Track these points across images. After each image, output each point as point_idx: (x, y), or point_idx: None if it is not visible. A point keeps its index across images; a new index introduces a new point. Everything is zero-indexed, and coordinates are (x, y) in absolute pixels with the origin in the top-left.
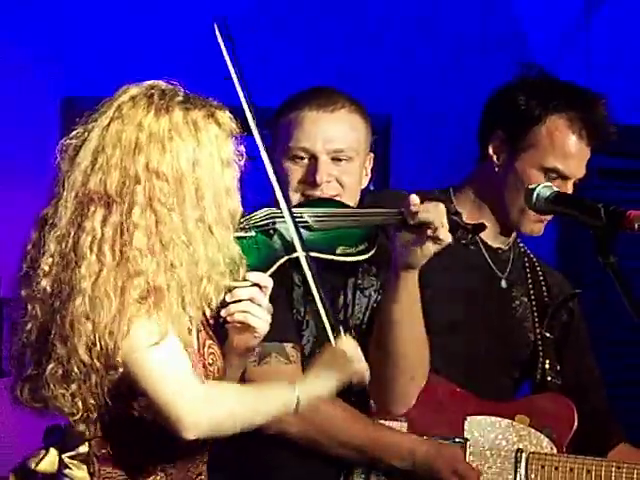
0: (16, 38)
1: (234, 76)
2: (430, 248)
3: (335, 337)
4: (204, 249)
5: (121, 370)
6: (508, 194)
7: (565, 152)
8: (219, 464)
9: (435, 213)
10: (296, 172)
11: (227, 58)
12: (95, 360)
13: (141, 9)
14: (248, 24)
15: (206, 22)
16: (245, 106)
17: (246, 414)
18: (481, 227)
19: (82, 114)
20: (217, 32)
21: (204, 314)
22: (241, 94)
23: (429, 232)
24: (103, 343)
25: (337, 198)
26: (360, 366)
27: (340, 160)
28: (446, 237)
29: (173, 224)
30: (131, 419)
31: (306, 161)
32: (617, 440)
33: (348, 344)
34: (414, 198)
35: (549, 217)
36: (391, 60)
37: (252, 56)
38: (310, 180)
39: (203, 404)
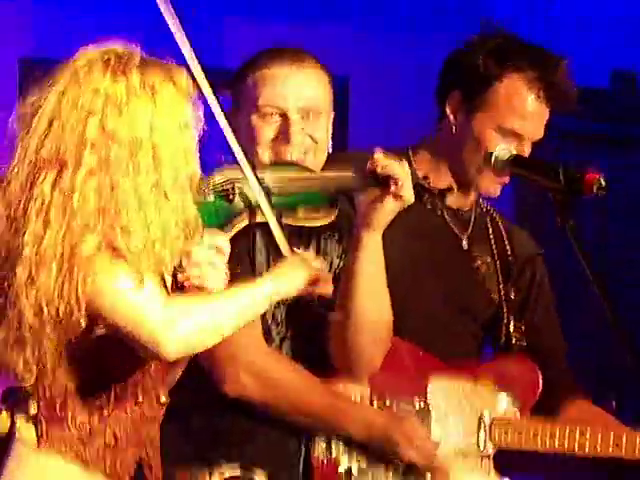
0: None
1: (179, 35)
2: (392, 205)
3: (289, 250)
4: (158, 214)
5: (84, 324)
6: (465, 154)
7: (523, 113)
8: (181, 432)
9: (400, 169)
10: (267, 130)
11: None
12: (47, 326)
13: None
14: None
15: None
16: (194, 65)
17: (217, 324)
18: (448, 191)
19: (39, 77)
20: None
21: (162, 279)
22: (188, 54)
23: (392, 187)
24: (52, 308)
25: (310, 154)
26: (311, 273)
27: (310, 116)
28: (409, 195)
29: (127, 188)
30: (80, 377)
31: (277, 118)
32: (576, 397)
33: (300, 256)
34: (379, 153)
35: (507, 179)
36: (348, 22)
37: (204, 18)
38: (282, 138)
39: (175, 323)
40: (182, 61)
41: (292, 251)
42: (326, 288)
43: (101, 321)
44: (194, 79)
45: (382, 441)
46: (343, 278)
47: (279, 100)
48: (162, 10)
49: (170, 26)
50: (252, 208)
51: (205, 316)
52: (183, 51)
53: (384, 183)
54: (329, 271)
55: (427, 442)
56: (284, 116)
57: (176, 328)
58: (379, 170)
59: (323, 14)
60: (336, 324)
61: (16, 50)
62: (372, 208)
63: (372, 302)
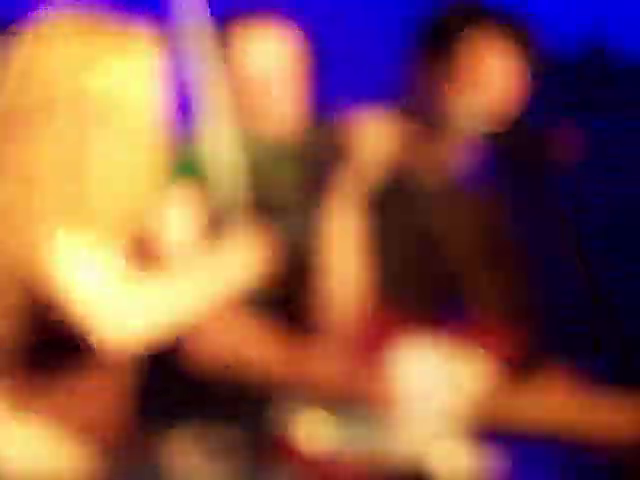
0: None
1: None
2: (359, 172)
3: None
4: (126, 173)
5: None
6: (435, 116)
7: (492, 70)
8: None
9: (368, 135)
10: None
11: None
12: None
13: None
14: None
15: None
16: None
17: (167, 312)
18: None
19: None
20: None
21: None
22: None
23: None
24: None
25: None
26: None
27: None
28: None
29: (94, 145)
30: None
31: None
32: (546, 361)
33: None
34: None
35: (479, 141)
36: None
37: None
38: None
39: (123, 311)
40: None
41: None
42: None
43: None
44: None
45: (348, 396)
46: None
47: (256, 67)
48: None
49: None
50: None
51: (151, 312)
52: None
53: (348, 151)
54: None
55: (393, 391)
56: (255, 83)
57: (129, 314)
58: (348, 136)
59: None
60: (314, 283)
61: None
62: (340, 177)
63: (342, 261)
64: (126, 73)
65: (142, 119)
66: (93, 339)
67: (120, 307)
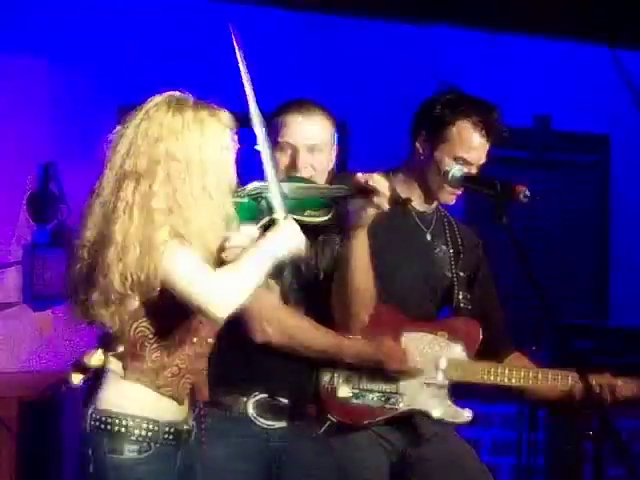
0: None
1: (247, 82)
2: (373, 210)
3: (283, 214)
4: (207, 209)
5: (157, 288)
6: (429, 175)
7: (470, 146)
8: (224, 366)
9: (381, 183)
10: (283, 159)
11: (243, 68)
12: (128, 290)
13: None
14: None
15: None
16: (253, 108)
17: (247, 284)
18: (408, 200)
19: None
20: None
21: (209, 257)
22: (251, 98)
23: (375, 199)
24: (135, 277)
25: (311, 179)
26: (299, 239)
27: (314, 151)
28: (385, 204)
29: (185, 191)
30: (155, 326)
31: (290, 151)
32: (510, 349)
33: (292, 222)
34: (360, 174)
35: (459, 191)
36: (350, 83)
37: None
38: (293, 165)
39: (220, 291)
40: (235, 106)
41: (285, 216)
42: (300, 250)
43: (171, 289)
44: (246, 118)
45: (370, 362)
46: (340, 261)
47: (291, 138)
48: (241, 69)
49: (244, 80)
50: (273, 208)
51: (237, 279)
52: (248, 99)
53: (368, 193)
54: (331, 256)
55: (402, 354)
56: (295, 150)
57: (221, 295)
58: (368, 183)
59: (328, 71)
60: (336, 291)
61: (116, 98)
62: (359, 212)
63: (360, 277)
64: (203, 142)
65: (216, 176)
66: (200, 309)
67: (215, 285)
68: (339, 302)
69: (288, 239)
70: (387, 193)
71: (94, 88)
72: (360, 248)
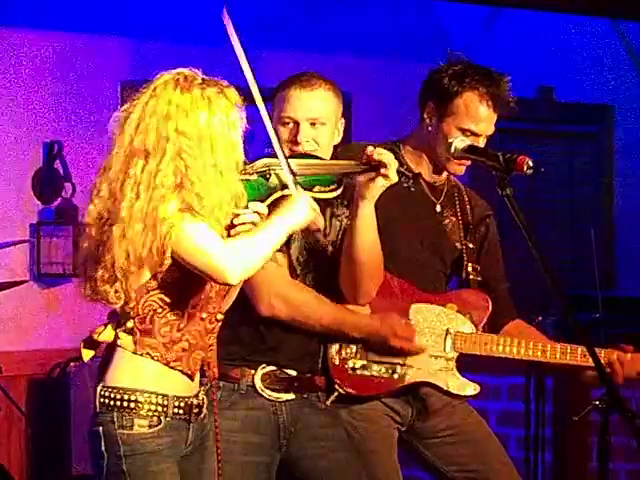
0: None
1: (244, 62)
2: (380, 183)
3: (296, 189)
4: (217, 186)
5: (169, 262)
6: (437, 147)
7: (477, 117)
8: (232, 340)
9: (389, 157)
10: (285, 133)
11: (238, 46)
12: (131, 266)
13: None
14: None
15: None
16: (252, 85)
17: (261, 253)
18: (417, 176)
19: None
20: (227, 21)
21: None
22: (250, 76)
23: (383, 170)
24: (138, 253)
25: (314, 153)
26: (312, 211)
27: (315, 124)
28: (394, 176)
29: (196, 168)
30: (164, 301)
31: (292, 125)
32: (513, 317)
33: (305, 196)
34: (370, 147)
35: (468, 162)
36: (355, 56)
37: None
38: (294, 139)
39: (234, 258)
40: (242, 81)
41: (297, 187)
42: (320, 221)
43: (182, 261)
44: (251, 94)
45: (376, 337)
46: (348, 232)
47: (293, 112)
48: (233, 44)
49: (238, 56)
50: (284, 185)
51: (251, 248)
52: (246, 75)
53: (376, 168)
54: (339, 228)
55: (406, 330)
56: (297, 124)
57: (235, 260)
58: (375, 157)
59: (332, 44)
60: (344, 263)
61: (118, 75)
62: (367, 185)
63: (368, 250)
64: (212, 119)
65: (226, 153)
66: (216, 275)
67: (229, 251)
68: (346, 275)
69: (303, 211)
70: (395, 166)
71: (97, 63)
72: (367, 221)
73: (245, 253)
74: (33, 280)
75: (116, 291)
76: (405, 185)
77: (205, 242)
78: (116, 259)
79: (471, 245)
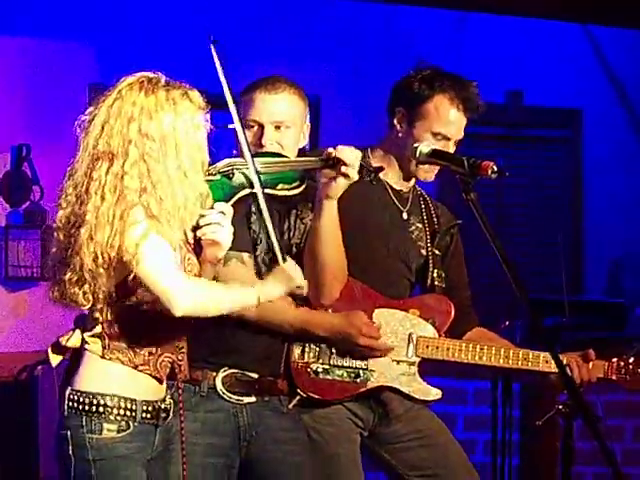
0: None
1: (220, 70)
2: (342, 181)
3: (283, 260)
4: (181, 187)
5: (130, 269)
6: (407, 152)
7: (448, 120)
8: (200, 341)
9: (349, 154)
10: (250, 137)
11: (218, 64)
12: (99, 268)
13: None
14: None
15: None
16: (226, 90)
17: (217, 302)
18: (380, 169)
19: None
20: (212, 48)
21: (185, 235)
22: (224, 81)
23: (343, 168)
24: (106, 255)
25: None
26: (300, 281)
27: (280, 128)
28: (354, 174)
29: (159, 170)
30: (132, 306)
31: (256, 129)
32: (474, 324)
33: (292, 265)
34: (331, 148)
35: (436, 168)
36: (323, 61)
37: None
38: (258, 142)
39: (188, 292)
40: (208, 85)
41: (284, 260)
42: (301, 291)
43: (140, 279)
44: (216, 98)
45: (341, 335)
46: (311, 232)
47: (257, 116)
48: (213, 53)
49: (216, 63)
50: (247, 183)
51: (212, 294)
52: (221, 80)
53: (336, 165)
54: (304, 231)
55: (371, 327)
56: (261, 127)
57: (188, 296)
58: (334, 154)
59: (301, 49)
60: (307, 263)
61: (86, 78)
62: (329, 184)
63: (331, 250)
64: (177, 122)
65: (190, 155)
66: (165, 301)
67: (186, 287)
68: (310, 275)
69: (288, 283)
70: (354, 163)
71: (64, 67)
72: (329, 220)
73: (203, 295)
74: (1, 283)
75: (84, 293)
76: (367, 179)
77: (162, 264)
78: (84, 261)
79: (437, 252)
